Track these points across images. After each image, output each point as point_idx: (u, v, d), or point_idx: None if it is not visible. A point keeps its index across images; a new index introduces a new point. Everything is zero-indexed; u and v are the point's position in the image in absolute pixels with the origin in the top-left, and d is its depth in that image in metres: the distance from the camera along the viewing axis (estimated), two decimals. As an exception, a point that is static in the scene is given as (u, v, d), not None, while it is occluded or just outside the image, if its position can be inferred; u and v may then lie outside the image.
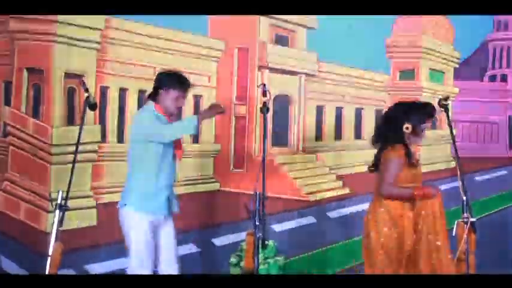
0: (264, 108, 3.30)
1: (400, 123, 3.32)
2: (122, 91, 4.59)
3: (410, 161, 3.32)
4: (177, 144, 3.38)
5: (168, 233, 3.40)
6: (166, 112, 3.37)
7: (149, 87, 4.65)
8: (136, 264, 3.25)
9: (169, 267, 3.38)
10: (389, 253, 3.32)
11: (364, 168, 5.79)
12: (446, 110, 3.38)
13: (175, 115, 3.46)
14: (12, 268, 4.08)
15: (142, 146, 3.29)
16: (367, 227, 3.43)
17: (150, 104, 3.38)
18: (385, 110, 3.68)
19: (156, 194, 3.31)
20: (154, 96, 3.38)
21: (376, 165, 3.47)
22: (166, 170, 3.33)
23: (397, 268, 3.31)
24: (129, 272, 3.27)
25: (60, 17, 4.13)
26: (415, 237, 3.31)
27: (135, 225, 3.27)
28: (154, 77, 3.45)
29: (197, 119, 3.23)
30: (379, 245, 3.34)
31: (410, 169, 3.33)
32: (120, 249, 4.15)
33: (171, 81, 3.38)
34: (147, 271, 3.24)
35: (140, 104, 4.66)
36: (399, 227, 3.31)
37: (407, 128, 3.32)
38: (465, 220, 3.08)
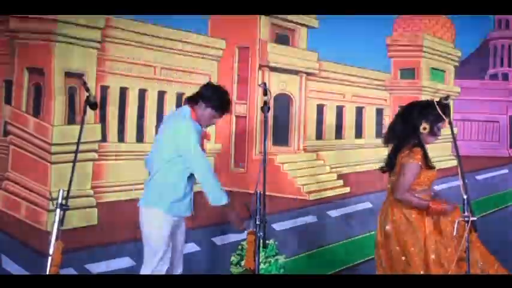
0: (265, 108, 3.30)
1: (417, 123, 3.31)
2: (122, 90, 4.59)
3: (428, 163, 3.32)
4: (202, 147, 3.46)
5: (182, 232, 3.55)
6: (198, 122, 3.45)
7: (149, 86, 4.70)
8: (157, 260, 3.33)
9: (177, 266, 3.49)
10: (412, 259, 3.29)
11: (365, 167, 5.82)
12: (447, 109, 3.38)
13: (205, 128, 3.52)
14: (13, 267, 4.07)
15: (177, 153, 3.36)
16: (387, 234, 3.39)
17: (186, 109, 3.45)
18: (397, 109, 3.66)
19: (185, 197, 3.42)
20: (193, 102, 3.45)
21: (389, 165, 3.47)
22: (191, 174, 3.42)
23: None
24: (148, 268, 3.34)
25: (61, 16, 4.13)
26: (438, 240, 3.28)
27: (161, 225, 3.37)
28: (203, 84, 3.53)
29: (226, 203, 3.38)
30: (401, 253, 3.32)
31: (427, 171, 3.33)
32: (120, 248, 4.16)
33: (214, 101, 3.44)
34: (166, 266, 3.35)
35: (140, 103, 4.67)
36: (420, 232, 3.30)
37: (424, 128, 3.32)
38: (466, 219, 3.08)
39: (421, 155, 3.28)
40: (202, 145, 3.46)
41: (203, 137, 3.50)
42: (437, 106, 3.29)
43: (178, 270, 3.51)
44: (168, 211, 3.37)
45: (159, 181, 3.40)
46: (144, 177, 4.61)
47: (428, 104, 3.43)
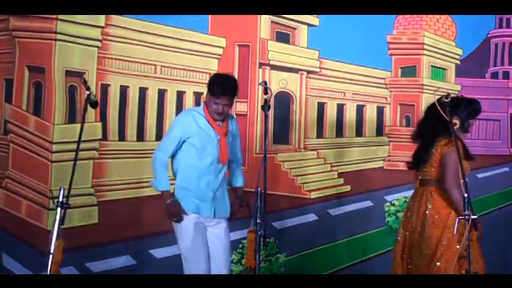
0: (265, 106, 3.30)
1: (448, 118, 3.34)
2: (123, 88, 4.58)
3: (467, 154, 3.41)
4: None
5: (218, 237, 3.69)
6: (210, 114, 3.49)
7: (150, 85, 4.70)
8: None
9: None
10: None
11: (366, 166, 5.82)
12: (448, 108, 3.37)
13: (220, 120, 3.54)
14: (14, 266, 4.08)
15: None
16: (432, 227, 3.43)
17: (201, 104, 3.60)
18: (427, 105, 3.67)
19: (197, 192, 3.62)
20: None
21: (419, 160, 3.52)
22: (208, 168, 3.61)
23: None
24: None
25: (61, 15, 4.13)
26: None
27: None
28: None
29: (161, 190, 3.50)
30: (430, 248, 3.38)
31: (466, 163, 3.38)
32: (121, 247, 4.16)
33: (209, 85, 3.51)
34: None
35: (141, 102, 4.66)
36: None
37: (455, 124, 3.34)
38: (467, 217, 3.08)
39: (460, 145, 3.28)
40: (222, 139, 3.51)
41: (222, 133, 3.52)
42: (438, 106, 3.31)
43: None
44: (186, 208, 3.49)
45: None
46: (144, 176, 4.62)
47: (461, 99, 3.47)
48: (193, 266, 3.43)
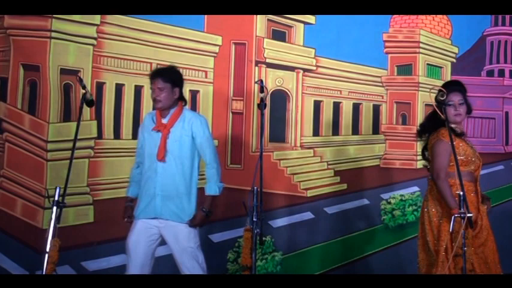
0: (261, 104, 3.30)
1: (444, 115, 3.38)
2: (118, 86, 4.57)
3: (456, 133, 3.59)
4: None
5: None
6: (159, 111, 3.63)
7: (146, 83, 4.68)
8: None
9: None
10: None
11: (362, 164, 5.82)
12: (444, 106, 3.38)
13: (160, 106, 3.60)
14: (9, 265, 4.06)
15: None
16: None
17: None
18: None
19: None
20: None
21: (424, 159, 3.66)
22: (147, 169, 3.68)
23: None
24: None
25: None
26: None
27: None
28: None
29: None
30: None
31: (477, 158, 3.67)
32: (116, 246, 4.14)
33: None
34: None
35: (136, 100, 4.65)
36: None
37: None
38: (462, 215, 3.09)
39: (447, 133, 3.30)
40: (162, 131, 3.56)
41: (163, 128, 3.56)
42: (434, 104, 3.33)
43: None
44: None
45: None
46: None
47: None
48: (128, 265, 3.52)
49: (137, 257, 3.49)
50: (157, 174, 3.51)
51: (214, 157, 3.64)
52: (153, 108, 3.72)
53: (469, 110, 3.63)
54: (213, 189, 3.60)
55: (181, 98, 3.67)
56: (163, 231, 3.55)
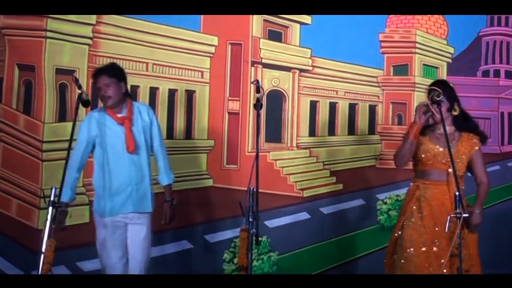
0: (258, 104, 3.30)
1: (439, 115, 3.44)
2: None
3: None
4: None
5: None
6: (108, 108, 3.59)
7: (141, 83, 4.68)
8: None
9: None
10: None
11: (358, 164, 5.82)
12: (439, 106, 3.39)
13: (110, 103, 3.57)
14: (5, 265, 4.05)
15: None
16: None
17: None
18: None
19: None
20: None
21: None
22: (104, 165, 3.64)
23: None
24: None
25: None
26: None
27: None
28: None
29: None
30: None
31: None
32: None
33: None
34: None
35: (132, 99, 4.64)
36: None
37: (455, 110, 3.57)
38: (458, 215, 3.09)
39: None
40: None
41: (122, 122, 3.55)
42: (430, 104, 3.35)
43: None
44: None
45: (147, 183, 3.74)
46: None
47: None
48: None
49: (132, 257, 3.52)
50: (129, 167, 3.53)
51: (164, 145, 3.77)
52: (105, 108, 3.60)
53: (450, 108, 3.57)
54: (171, 177, 3.74)
55: (128, 93, 3.70)
56: (131, 224, 3.57)
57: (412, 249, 3.38)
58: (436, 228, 3.40)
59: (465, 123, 3.63)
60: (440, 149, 3.53)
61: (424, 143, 3.56)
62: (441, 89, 3.40)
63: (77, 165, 3.54)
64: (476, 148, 3.58)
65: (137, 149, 3.55)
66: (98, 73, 3.57)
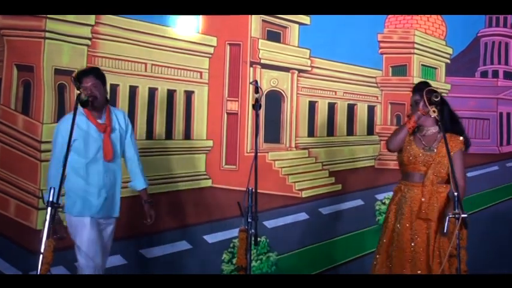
0: (256, 105, 3.30)
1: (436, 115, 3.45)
2: (113, 87, 4.56)
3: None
4: None
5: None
6: (90, 112, 3.54)
7: (140, 83, 4.68)
8: None
9: None
10: None
11: (357, 165, 5.82)
12: (437, 107, 3.40)
13: (97, 104, 3.52)
14: (3, 265, 4.05)
15: None
16: None
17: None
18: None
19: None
20: None
21: None
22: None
23: None
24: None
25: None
26: None
27: None
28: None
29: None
30: None
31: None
32: (111, 246, 4.11)
33: (76, 78, 3.50)
34: None
35: (131, 100, 4.65)
36: None
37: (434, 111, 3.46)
38: (456, 216, 3.09)
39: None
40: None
41: (103, 129, 3.52)
42: (427, 105, 3.35)
43: None
44: None
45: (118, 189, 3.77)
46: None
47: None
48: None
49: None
50: (104, 174, 3.53)
51: (138, 150, 3.78)
52: (85, 109, 3.52)
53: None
54: (145, 182, 3.77)
55: (108, 99, 3.70)
56: (102, 228, 3.60)
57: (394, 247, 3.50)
58: (412, 228, 3.47)
59: (452, 125, 3.63)
60: (422, 151, 3.56)
61: (409, 144, 3.61)
62: (418, 93, 3.49)
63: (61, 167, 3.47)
64: (456, 149, 3.56)
65: (114, 157, 3.55)
66: (84, 73, 3.53)
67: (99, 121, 3.55)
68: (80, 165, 3.49)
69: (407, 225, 3.51)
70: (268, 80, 5.26)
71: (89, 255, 3.45)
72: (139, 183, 3.75)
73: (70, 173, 3.51)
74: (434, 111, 3.39)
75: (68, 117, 3.54)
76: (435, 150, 3.54)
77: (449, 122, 3.61)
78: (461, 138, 3.61)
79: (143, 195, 3.77)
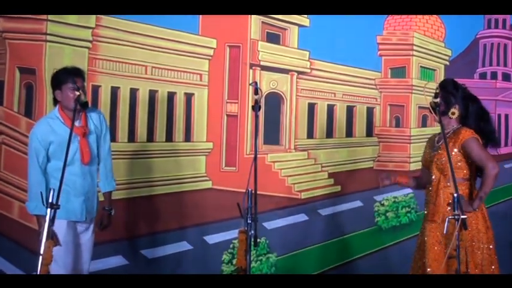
0: (256, 107, 3.31)
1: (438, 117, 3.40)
2: (114, 89, 4.59)
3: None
4: None
5: None
6: (69, 110, 3.41)
7: (141, 86, 4.71)
8: None
9: None
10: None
11: (356, 166, 5.84)
12: (437, 108, 3.41)
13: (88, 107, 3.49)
14: (7, 266, 4.07)
15: None
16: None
17: (56, 108, 3.48)
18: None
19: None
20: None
21: None
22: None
23: None
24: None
25: (51, 16, 4.13)
26: None
27: None
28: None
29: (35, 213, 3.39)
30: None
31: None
32: (112, 247, 4.16)
33: (60, 77, 3.46)
34: None
35: (132, 102, 4.67)
36: None
37: (453, 113, 3.51)
38: (456, 217, 3.11)
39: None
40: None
41: (81, 132, 3.45)
42: (430, 107, 3.38)
43: None
44: None
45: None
46: (135, 176, 4.63)
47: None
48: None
49: (84, 262, 3.54)
50: (82, 177, 3.48)
51: (111, 151, 3.69)
52: (60, 112, 3.48)
53: (445, 111, 3.54)
54: (112, 184, 3.69)
55: None
56: (84, 231, 3.56)
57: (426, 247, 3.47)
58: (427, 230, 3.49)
59: (478, 122, 3.57)
60: (429, 151, 3.59)
61: (425, 147, 3.63)
62: (440, 92, 3.43)
63: (43, 174, 3.46)
64: (465, 138, 3.45)
65: (91, 160, 3.51)
66: (77, 73, 3.46)
67: (76, 124, 3.38)
68: (57, 169, 3.31)
69: (426, 227, 3.52)
70: (268, 82, 5.29)
71: (55, 256, 3.37)
72: (104, 185, 3.67)
73: (47, 177, 3.47)
74: (453, 113, 3.41)
75: (42, 122, 3.51)
76: (440, 148, 3.52)
77: (475, 120, 3.55)
78: (471, 130, 3.50)
79: (106, 200, 3.65)
